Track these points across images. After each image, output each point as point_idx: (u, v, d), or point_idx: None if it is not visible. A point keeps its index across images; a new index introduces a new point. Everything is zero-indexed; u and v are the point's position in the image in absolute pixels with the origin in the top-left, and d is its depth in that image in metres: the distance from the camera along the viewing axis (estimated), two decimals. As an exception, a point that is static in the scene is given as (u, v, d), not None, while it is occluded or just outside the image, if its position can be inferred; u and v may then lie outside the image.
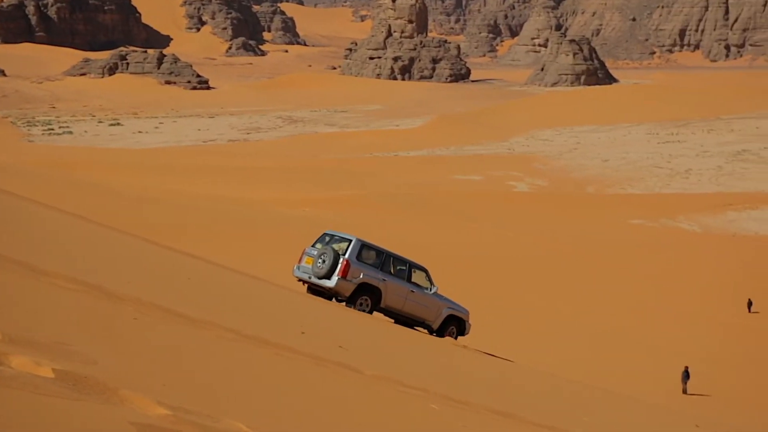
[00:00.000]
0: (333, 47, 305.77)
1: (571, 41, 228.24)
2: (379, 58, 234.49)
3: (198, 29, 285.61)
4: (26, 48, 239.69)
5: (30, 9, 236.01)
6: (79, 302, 8.60)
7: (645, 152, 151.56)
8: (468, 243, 77.54)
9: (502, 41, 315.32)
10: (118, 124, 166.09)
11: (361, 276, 19.29)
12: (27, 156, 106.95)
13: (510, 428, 10.10)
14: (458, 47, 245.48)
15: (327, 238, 20.37)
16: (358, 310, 19.39)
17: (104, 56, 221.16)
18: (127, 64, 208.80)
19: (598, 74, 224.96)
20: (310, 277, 19.74)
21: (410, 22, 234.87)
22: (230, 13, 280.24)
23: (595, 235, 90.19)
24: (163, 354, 7.48)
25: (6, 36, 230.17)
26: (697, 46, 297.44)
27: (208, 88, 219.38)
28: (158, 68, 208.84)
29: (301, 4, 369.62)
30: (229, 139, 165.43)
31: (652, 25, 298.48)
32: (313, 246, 20.37)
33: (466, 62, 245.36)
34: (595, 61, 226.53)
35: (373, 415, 7.97)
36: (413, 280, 20.35)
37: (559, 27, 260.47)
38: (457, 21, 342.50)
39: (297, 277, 20.51)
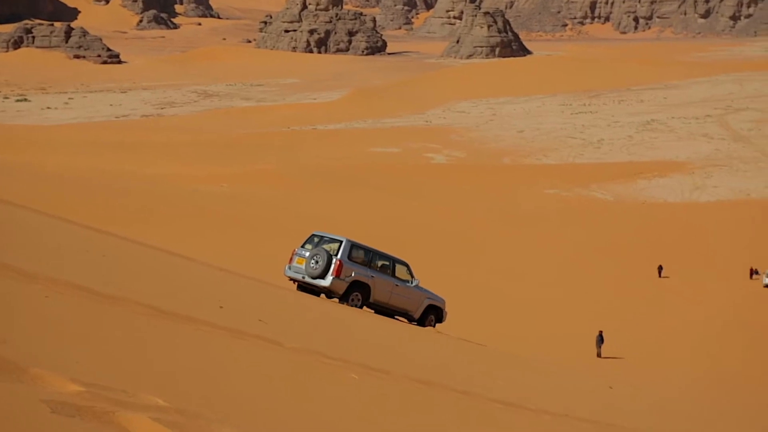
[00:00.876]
0: (247, 20, 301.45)
1: (486, 14, 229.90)
2: (295, 31, 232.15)
3: (107, 1, 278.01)
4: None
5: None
6: (-13, 282, 8.37)
7: (559, 123, 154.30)
8: (387, 215, 77.91)
9: (417, 14, 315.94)
10: (25, 99, 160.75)
11: (352, 274, 20.69)
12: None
13: (427, 395, 10.25)
14: (374, 20, 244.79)
15: (316, 239, 21.56)
16: (351, 305, 20.65)
17: (8, 29, 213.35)
18: (33, 37, 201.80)
19: (512, 46, 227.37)
20: (303, 277, 20.91)
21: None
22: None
23: (512, 206, 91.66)
24: (77, 332, 7.35)
25: None
26: (607, 18, 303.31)
27: (119, 62, 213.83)
28: (66, 42, 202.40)
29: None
30: (142, 115, 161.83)
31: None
32: (302, 247, 21.55)
33: (382, 35, 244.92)
34: (509, 34, 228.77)
35: (294, 385, 7.99)
36: (396, 274, 21.69)
37: (473, 0, 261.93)
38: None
39: (289, 276, 21.71)
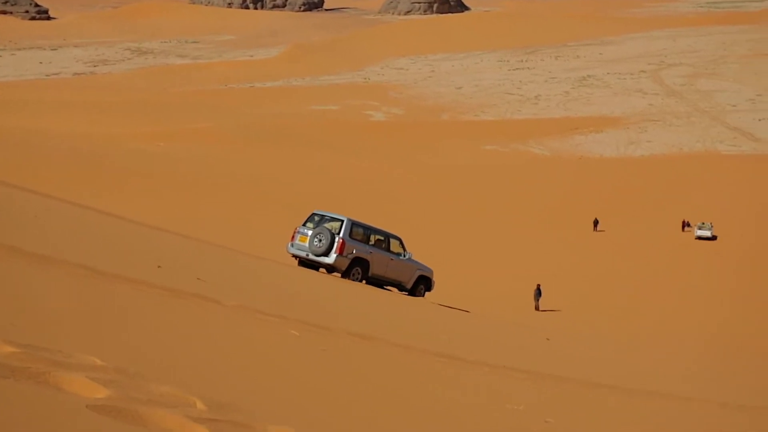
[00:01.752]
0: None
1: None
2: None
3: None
4: None
5: None
6: None
7: (496, 79, 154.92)
8: (327, 173, 77.69)
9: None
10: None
11: (353, 251, 22.21)
12: None
13: (368, 349, 10.34)
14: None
15: (317, 218, 23.03)
16: (352, 280, 22.11)
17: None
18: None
19: (450, 2, 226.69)
20: (307, 255, 22.31)
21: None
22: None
23: (450, 162, 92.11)
24: (11, 294, 7.22)
25: None
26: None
27: (48, 18, 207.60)
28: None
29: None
30: (74, 73, 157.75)
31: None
32: (304, 225, 22.97)
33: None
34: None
35: (234, 342, 7.99)
36: (391, 249, 23.29)
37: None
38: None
39: (291, 253, 23.05)
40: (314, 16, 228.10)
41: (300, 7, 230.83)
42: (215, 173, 70.29)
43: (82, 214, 19.00)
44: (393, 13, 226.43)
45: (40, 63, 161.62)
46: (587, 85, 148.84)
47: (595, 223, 70.18)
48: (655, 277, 54.12)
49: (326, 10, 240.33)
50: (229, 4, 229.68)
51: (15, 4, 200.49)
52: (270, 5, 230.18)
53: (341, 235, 22.01)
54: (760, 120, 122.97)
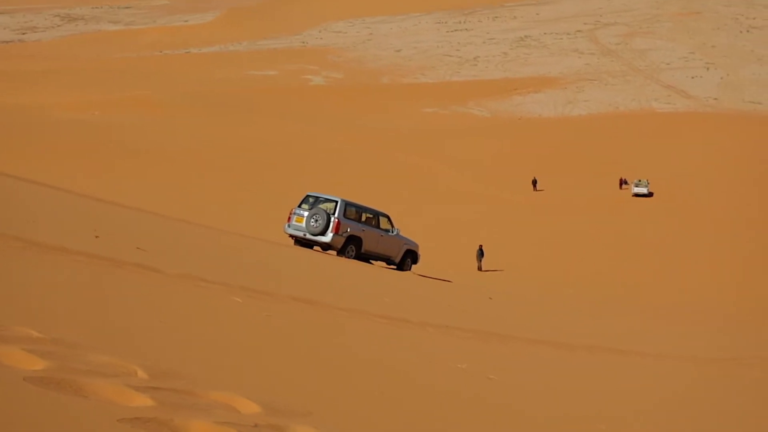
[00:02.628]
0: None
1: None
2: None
3: None
4: None
5: None
6: None
7: (435, 41, 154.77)
8: (267, 138, 77.04)
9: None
10: None
11: (348, 230, 23.76)
12: None
13: (312, 313, 10.35)
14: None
15: (311, 200, 24.40)
16: (347, 257, 23.56)
17: None
18: None
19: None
20: (305, 234, 23.75)
21: None
22: None
23: (391, 125, 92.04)
24: (-58, 268, 7.04)
25: None
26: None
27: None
28: None
29: None
30: (1, 41, 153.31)
31: None
32: (299, 207, 24.37)
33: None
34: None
35: (176, 311, 7.92)
36: (381, 226, 24.78)
37: None
38: None
39: (289, 233, 24.36)
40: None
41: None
42: (154, 142, 69.21)
43: (14, 185, 18.58)
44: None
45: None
46: (525, 45, 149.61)
47: (534, 182, 70.98)
48: (593, 233, 55.06)
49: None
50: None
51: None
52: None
53: (336, 215, 23.53)
54: (692, 78, 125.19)
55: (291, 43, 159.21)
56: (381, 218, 24.83)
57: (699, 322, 29.41)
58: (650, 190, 69.89)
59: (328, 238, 23.45)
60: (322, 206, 23.84)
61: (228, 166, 64.14)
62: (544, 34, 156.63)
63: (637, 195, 69.58)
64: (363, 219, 24.32)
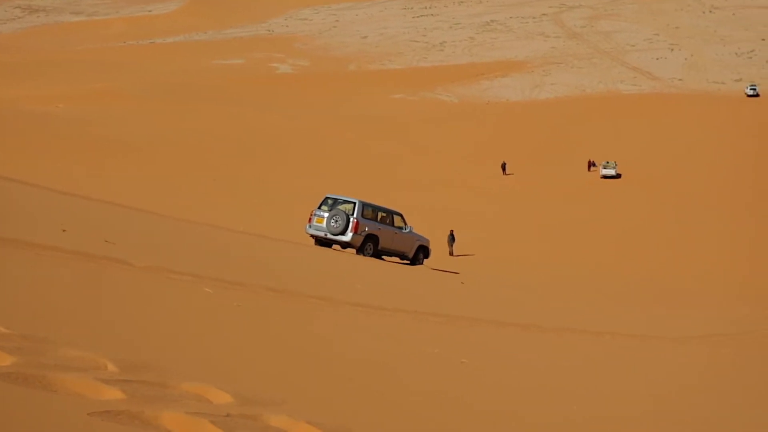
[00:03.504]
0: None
1: None
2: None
3: None
4: None
5: None
6: None
7: (401, 27, 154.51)
8: (235, 128, 76.59)
9: None
10: None
11: (366, 229, 25.38)
12: None
13: (284, 302, 10.33)
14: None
15: (330, 201, 25.93)
16: (365, 254, 25.13)
17: None
18: None
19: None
20: (326, 234, 25.31)
21: None
22: None
23: (359, 112, 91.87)
24: None
25: None
26: None
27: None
28: None
29: None
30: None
31: None
32: (319, 208, 25.91)
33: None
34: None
35: (146, 303, 7.87)
36: (395, 224, 26.43)
37: None
38: None
39: (310, 233, 25.88)
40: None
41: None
42: (120, 133, 68.55)
43: (-21, 181, 18.31)
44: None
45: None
46: (491, 30, 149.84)
47: (503, 166, 71.27)
48: (562, 217, 55.43)
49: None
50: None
51: None
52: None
53: (355, 215, 25.16)
54: (657, 59, 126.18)
55: (257, 31, 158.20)
56: (395, 217, 26.53)
57: (667, 303, 29.77)
58: (618, 172, 70.46)
59: (348, 237, 25.08)
60: (341, 207, 25.43)
61: (198, 157, 63.73)
62: (510, 18, 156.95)
63: (605, 177, 70.12)
64: (379, 218, 25.94)
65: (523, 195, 62.55)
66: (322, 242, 25.64)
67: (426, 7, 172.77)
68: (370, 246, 25.41)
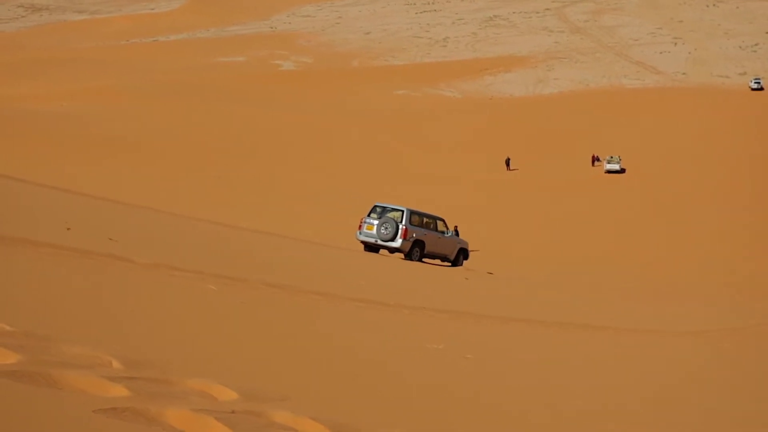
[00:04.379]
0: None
1: None
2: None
3: None
4: None
5: None
6: None
7: (404, 23, 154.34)
8: (239, 125, 76.63)
9: None
10: None
11: (414, 235, 26.95)
12: None
13: (287, 298, 10.36)
14: None
15: (379, 209, 27.50)
16: (413, 259, 26.76)
17: None
18: None
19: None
20: (376, 241, 26.85)
21: None
22: None
23: (364, 108, 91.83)
24: None
25: None
26: None
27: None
28: None
29: None
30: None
31: None
32: (368, 216, 27.46)
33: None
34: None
35: (150, 300, 7.89)
36: (438, 228, 28.15)
37: None
38: None
39: (360, 239, 27.31)
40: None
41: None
42: (123, 131, 68.61)
43: (-17, 180, 18.36)
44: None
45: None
46: (494, 25, 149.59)
47: (507, 162, 71.21)
48: (567, 212, 55.39)
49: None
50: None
51: None
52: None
53: (404, 222, 26.71)
54: (661, 53, 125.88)
55: (259, 29, 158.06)
56: (438, 222, 28.23)
57: (669, 296, 29.75)
58: (622, 167, 70.37)
59: (398, 243, 26.65)
60: (390, 215, 27.04)
61: (202, 153, 63.78)
62: (513, 13, 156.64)
63: (609, 171, 70.03)
64: (424, 224, 27.54)
65: (527, 190, 62.51)
66: (371, 248, 27.28)
67: (429, 3, 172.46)
68: (417, 251, 27.03)
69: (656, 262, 41.49)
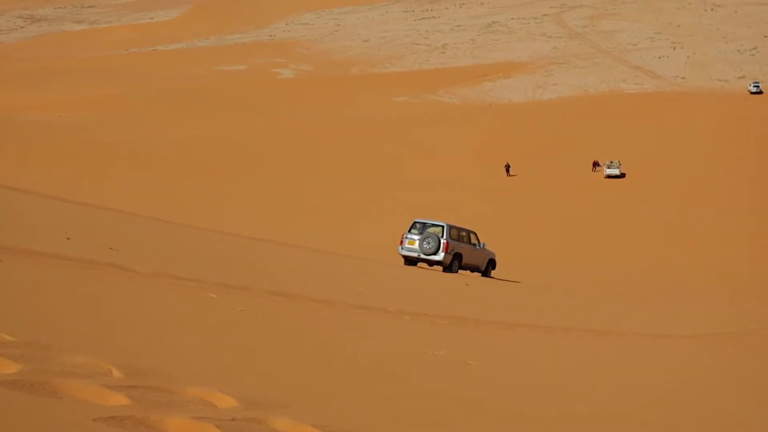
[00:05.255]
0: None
1: None
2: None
3: None
4: None
5: None
6: None
7: (403, 30, 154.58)
8: (240, 133, 76.69)
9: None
10: None
11: (453, 249, 28.24)
12: None
13: (287, 306, 10.35)
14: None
15: (419, 225, 28.77)
16: (452, 271, 28.00)
17: None
18: None
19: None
20: (419, 255, 28.20)
21: None
22: None
23: (363, 114, 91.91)
24: None
25: None
26: None
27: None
28: None
29: None
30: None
31: None
32: (409, 231, 28.76)
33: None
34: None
35: (151, 309, 7.89)
36: (472, 241, 29.45)
37: None
38: None
39: (402, 254, 28.67)
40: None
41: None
42: (123, 140, 68.67)
43: (-16, 191, 18.37)
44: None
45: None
46: (493, 31, 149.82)
47: (507, 168, 71.23)
48: (567, 218, 55.38)
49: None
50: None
51: None
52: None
53: (444, 237, 28.00)
54: (659, 58, 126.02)
55: (258, 37, 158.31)
56: (471, 235, 29.48)
57: (671, 300, 29.72)
58: (622, 171, 70.38)
59: (440, 257, 27.91)
60: (430, 230, 28.29)
61: (202, 162, 63.81)
62: (511, 19, 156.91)
63: (609, 176, 70.04)
64: (460, 237, 28.77)
65: (527, 195, 62.50)
66: (412, 261, 28.63)
67: (427, 10, 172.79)
68: (456, 263, 28.27)
69: (657, 266, 41.47)
